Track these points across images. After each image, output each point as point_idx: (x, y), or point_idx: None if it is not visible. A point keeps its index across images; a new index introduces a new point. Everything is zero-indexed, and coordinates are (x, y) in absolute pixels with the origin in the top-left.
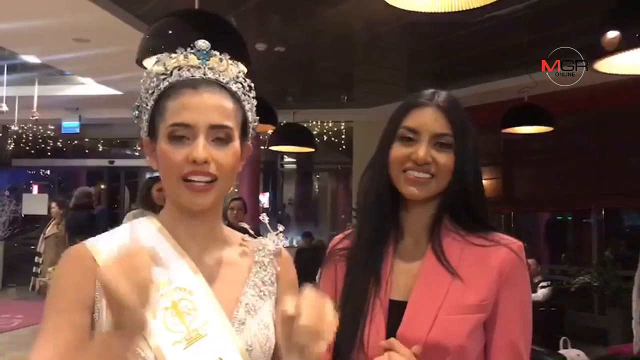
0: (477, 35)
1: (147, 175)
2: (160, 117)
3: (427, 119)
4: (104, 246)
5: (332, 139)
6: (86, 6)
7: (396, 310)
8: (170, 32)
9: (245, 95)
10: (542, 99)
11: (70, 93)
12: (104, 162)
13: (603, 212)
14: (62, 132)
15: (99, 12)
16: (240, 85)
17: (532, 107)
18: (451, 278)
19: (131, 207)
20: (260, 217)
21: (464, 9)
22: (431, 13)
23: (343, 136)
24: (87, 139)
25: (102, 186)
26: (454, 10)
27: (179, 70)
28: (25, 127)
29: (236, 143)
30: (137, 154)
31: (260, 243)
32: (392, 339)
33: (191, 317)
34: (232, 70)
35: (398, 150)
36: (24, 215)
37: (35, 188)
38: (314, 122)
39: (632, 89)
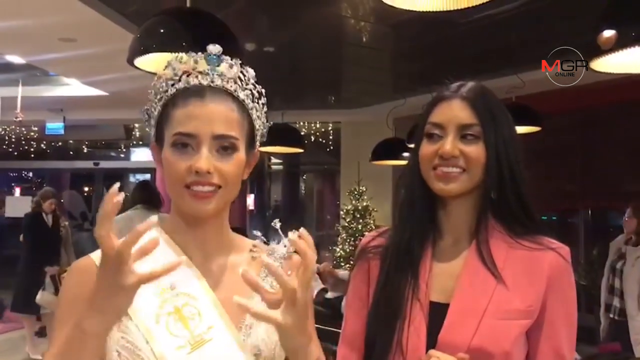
0: (465, 36)
1: (132, 178)
2: (167, 125)
3: (452, 111)
4: None
5: (320, 139)
6: (72, 4)
7: (437, 313)
8: (162, 30)
9: (254, 102)
10: (530, 99)
11: (54, 94)
12: (88, 164)
13: (590, 212)
14: (46, 133)
15: (85, 11)
16: (249, 92)
17: (519, 107)
18: (496, 281)
19: None
20: (273, 224)
21: (457, 8)
22: (421, 13)
23: (330, 137)
24: (71, 141)
25: (86, 188)
26: (447, 9)
27: (187, 76)
28: (8, 129)
29: (241, 153)
30: (122, 155)
31: (272, 249)
32: (432, 351)
33: (195, 322)
34: (242, 76)
35: (426, 148)
36: (7, 217)
37: (17, 191)
38: (302, 123)
39: (618, 89)
